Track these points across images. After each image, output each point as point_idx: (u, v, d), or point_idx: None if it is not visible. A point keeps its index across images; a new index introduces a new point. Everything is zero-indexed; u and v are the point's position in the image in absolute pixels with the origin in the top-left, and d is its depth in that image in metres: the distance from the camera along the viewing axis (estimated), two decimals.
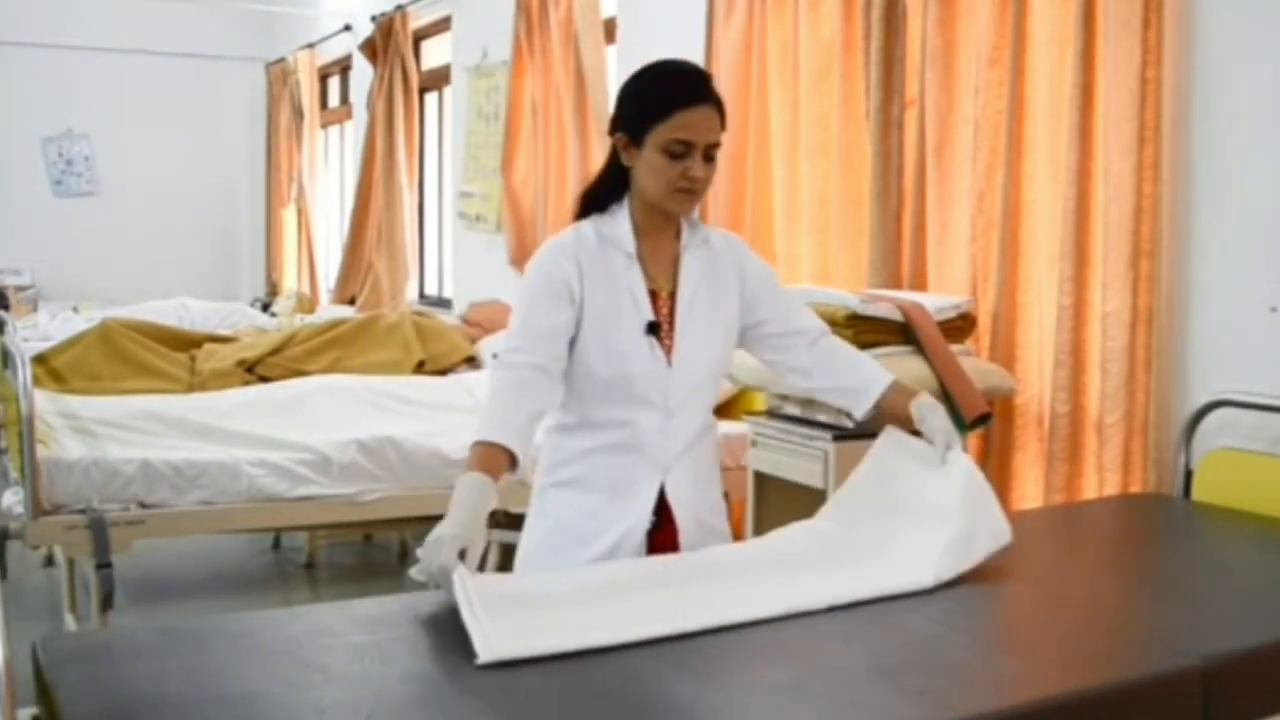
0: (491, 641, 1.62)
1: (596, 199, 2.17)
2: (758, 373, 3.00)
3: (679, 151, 2.03)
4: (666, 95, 2.05)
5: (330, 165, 9.91)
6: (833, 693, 1.57)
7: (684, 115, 2.03)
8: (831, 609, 1.83)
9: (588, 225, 2.15)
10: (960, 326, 3.41)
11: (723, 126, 2.09)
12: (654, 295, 2.13)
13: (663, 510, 2.15)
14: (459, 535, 1.79)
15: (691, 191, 2.07)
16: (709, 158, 2.07)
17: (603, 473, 2.13)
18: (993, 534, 2.07)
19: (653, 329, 2.11)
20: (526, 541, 2.23)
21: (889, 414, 2.23)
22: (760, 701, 1.52)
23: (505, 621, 1.68)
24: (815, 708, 1.52)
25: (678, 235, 2.18)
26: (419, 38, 7.93)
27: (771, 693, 1.54)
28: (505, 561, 4.18)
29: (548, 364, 2.05)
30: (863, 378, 2.24)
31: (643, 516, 2.14)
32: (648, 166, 2.06)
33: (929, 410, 2.17)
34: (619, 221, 2.13)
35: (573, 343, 2.09)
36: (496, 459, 1.94)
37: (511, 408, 2.00)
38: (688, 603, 1.82)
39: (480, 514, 1.86)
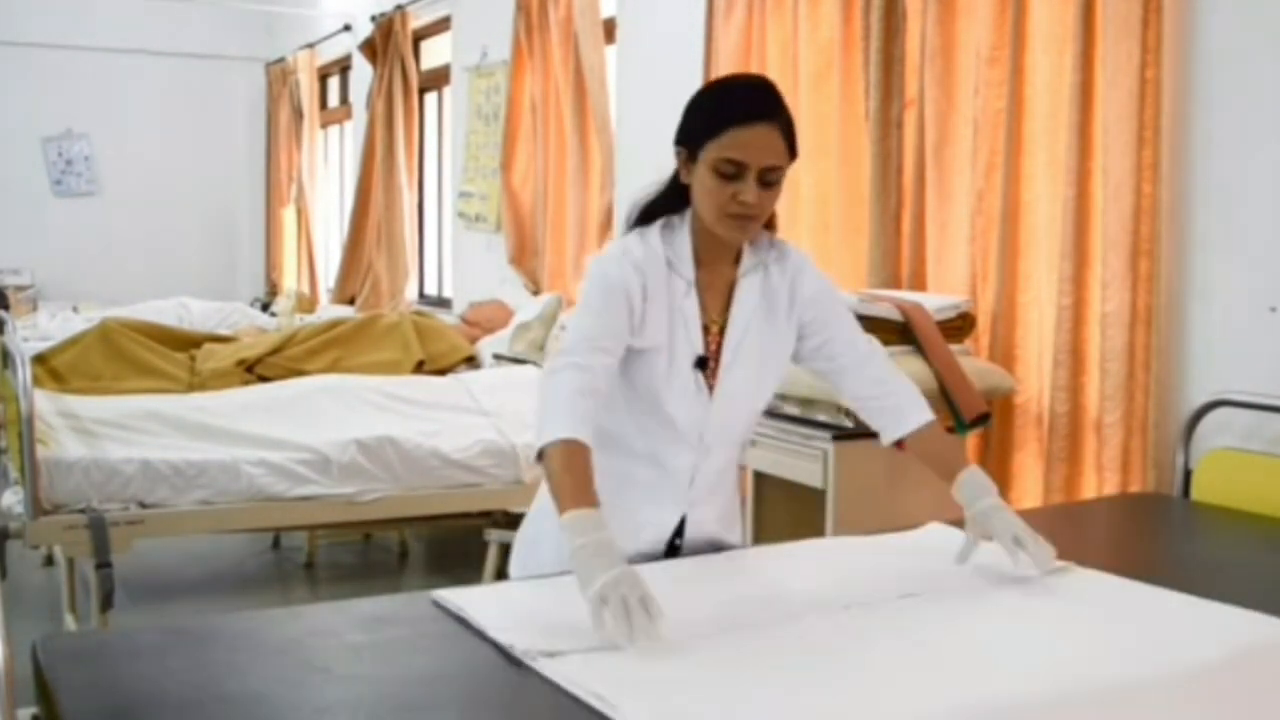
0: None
1: (654, 213, 2.04)
2: None
3: (730, 172, 1.88)
4: (720, 110, 1.91)
5: (330, 165, 9.92)
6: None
7: (737, 133, 1.87)
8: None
9: (656, 239, 2.00)
10: (960, 326, 3.41)
11: (792, 150, 1.94)
12: (705, 329, 2.02)
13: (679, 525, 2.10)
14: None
15: (743, 217, 1.91)
16: (767, 182, 1.90)
17: (625, 492, 2.00)
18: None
19: (700, 364, 2.01)
20: (534, 529, 2.17)
21: (923, 456, 2.09)
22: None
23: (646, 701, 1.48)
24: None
25: (737, 260, 2.05)
26: (419, 38, 7.93)
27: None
28: (505, 561, 4.18)
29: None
30: (911, 401, 2.11)
31: (657, 544, 2.08)
32: (700, 186, 1.93)
33: (994, 510, 1.97)
34: (681, 241, 2.01)
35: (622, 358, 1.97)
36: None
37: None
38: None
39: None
